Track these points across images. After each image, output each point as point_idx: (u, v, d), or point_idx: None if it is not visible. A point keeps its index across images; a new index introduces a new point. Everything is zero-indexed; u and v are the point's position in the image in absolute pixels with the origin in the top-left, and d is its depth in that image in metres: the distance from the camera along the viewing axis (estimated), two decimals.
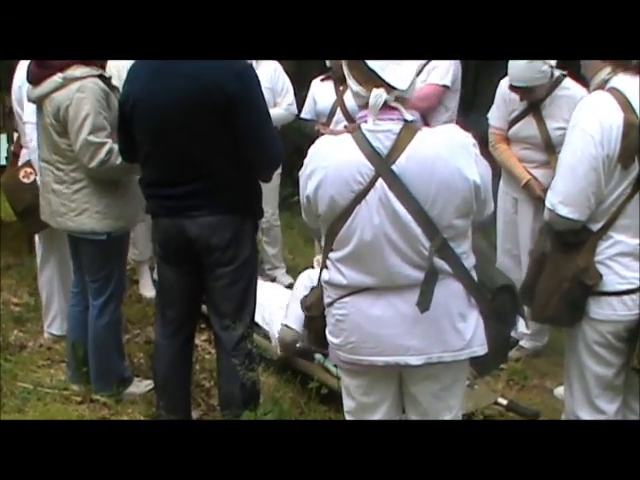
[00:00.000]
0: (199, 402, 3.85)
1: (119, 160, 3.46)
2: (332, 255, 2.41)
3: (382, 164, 2.25)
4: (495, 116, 4.28)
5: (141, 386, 4.01)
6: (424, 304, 2.26)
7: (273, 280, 5.32)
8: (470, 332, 2.38)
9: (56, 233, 4.26)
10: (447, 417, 2.52)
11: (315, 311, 2.59)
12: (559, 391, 4.01)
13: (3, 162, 4.94)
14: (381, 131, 2.27)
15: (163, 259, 3.28)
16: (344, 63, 2.37)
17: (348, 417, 2.65)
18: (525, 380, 4.26)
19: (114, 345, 3.93)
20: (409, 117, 2.28)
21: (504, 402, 3.77)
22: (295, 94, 5.35)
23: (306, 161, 2.39)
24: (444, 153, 2.25)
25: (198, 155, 3.01)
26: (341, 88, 5.06)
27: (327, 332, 2.52)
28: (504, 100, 4.19)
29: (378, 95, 2.25)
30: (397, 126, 2.27)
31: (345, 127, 5.07)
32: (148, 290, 5.26)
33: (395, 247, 2.29)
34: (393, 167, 2.24)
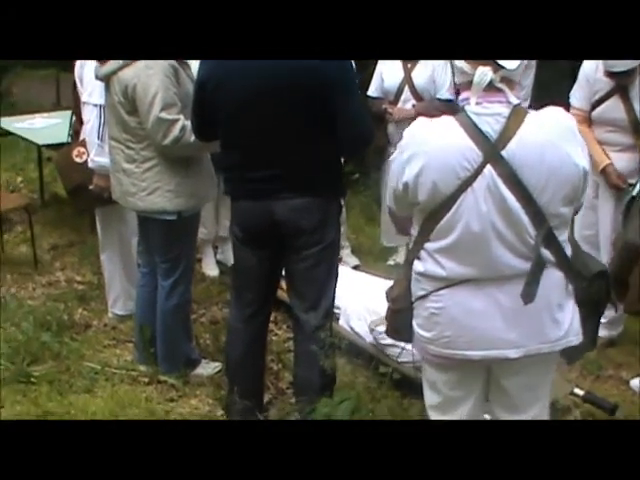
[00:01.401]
0: (268, 385, 3.78)
1: (192, 137, 3.38)
2: (429, 246, 2.32)
3: (491, 149, 2.15)
4: (577, 97, 4.11)
5: (209, 368, 3.98)
6: (530, 296, 2.19)
7: (339, 261, 5.20)
8: (567, 322, 2.32)
9: (115, 212, 4.23)
10: (535, 409, 2.46)
11: (401, 303, 2.49)
12: (635, 383, 3.90)
13: (67, 139, 4.91)
14: (490, 114, 2.18)
15: (242, 242, 3.22)
16: None
17: (431, 412, 2.57)
18: (599, 370, 4.13)
19: (182, 327, 3.90)
20: (515, 100, 2.19)
21: (580, 393, 3.66)
22: (358, 71, 5.22)
23: (402, 145, 2.30)
24: (554, 138, 2.17)
25: (287, 137, 2.94)
26: (409, 65, 4.93)
27: (416, 325, 2.42)
28: (587, 80, 4.02)
29: (483, 73, 2.16)
30: (506, 109, 2.18)
31: (413, 106, 4.97)
32: (211, 269, 5.23)
33: (501, 237, 2.20)
34: (503, 153, 2.14)
